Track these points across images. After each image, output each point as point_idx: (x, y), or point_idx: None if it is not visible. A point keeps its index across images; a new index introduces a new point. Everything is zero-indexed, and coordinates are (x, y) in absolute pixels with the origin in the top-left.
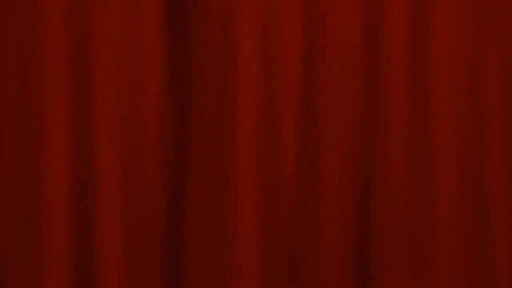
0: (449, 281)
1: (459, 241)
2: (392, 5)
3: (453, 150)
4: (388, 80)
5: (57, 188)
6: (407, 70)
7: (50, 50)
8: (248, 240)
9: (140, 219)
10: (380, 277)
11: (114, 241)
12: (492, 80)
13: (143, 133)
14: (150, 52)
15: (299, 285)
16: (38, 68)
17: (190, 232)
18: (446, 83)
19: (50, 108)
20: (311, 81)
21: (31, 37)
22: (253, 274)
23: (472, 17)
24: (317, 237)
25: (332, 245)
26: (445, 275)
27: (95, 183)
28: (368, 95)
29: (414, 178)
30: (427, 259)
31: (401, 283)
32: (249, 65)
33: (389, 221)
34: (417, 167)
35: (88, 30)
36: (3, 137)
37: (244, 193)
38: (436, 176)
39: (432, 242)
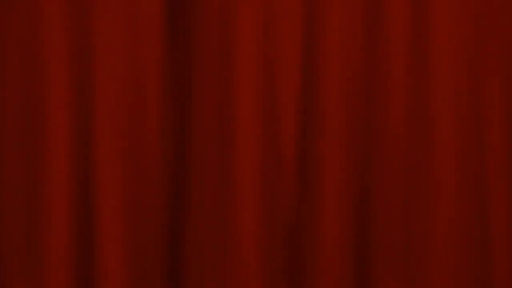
0: (449, 281)
1: (459, 241)
2: (392, 5)
3: (453, 150)
4: (388, 80)
5: (58, 188)
6: (407, 70)
7: (50, 50)
8: (248, 239)
9: (140, 219)
10: (380, 278)
11: (115, 241)
12: (492, 80)
13: (143, 133)
14: (150, 52)
15: (299, 285)
16: (38, 68)
17: (191, 232)
18: (446, 83)
19: (50, 108)
20: (311, 81)
21: (31, 37)
22: (253, 274)
23: (472, 17)
24: (317, 237)
25: (332, 245)
26: (445, 276)
27: (95, 183)
28: (368, 95)
29: (414, 178)
30: (427, 259)
31: (401, 283)
32: (249, 65)
33: (388, 222)
34: (417, 167)
35: (88, 30)
36: (4, 137)
37: (244, 193)
38: (436, 176)
39: (432, 243)
